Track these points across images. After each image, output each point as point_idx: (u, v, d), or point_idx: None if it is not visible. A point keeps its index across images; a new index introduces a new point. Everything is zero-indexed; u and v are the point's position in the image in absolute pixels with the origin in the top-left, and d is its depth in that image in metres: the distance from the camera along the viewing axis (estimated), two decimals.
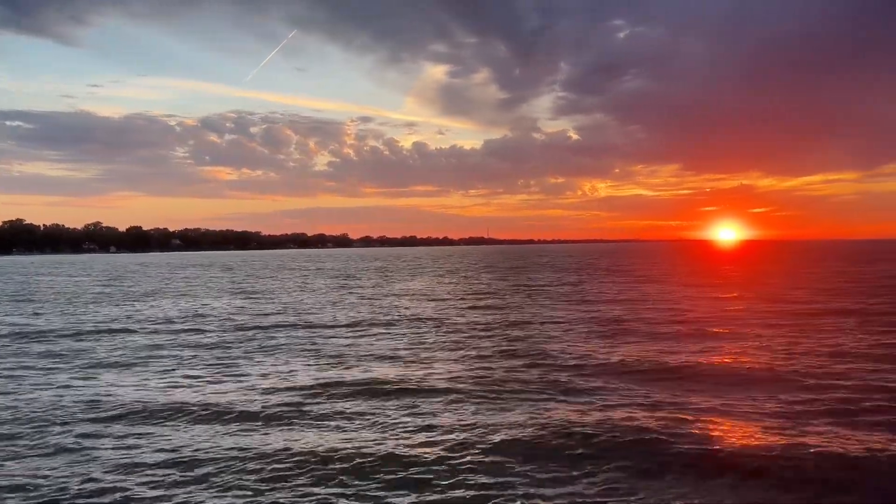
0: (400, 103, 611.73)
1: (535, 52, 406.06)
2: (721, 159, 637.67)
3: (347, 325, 22.71)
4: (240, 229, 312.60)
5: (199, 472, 8.25)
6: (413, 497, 7.47)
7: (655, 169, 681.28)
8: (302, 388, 12.72)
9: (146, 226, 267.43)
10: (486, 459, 8.54)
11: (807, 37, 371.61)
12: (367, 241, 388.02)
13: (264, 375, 14.09)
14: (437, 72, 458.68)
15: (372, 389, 12.51)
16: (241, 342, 19.12)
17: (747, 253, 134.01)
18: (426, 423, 10.23)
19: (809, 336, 18.46)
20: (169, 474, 8.17)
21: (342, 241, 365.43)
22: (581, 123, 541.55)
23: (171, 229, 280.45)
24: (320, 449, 8.96)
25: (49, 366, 15.65)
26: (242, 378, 13.90)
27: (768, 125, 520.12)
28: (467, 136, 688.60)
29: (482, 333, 20.28)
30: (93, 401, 11.83)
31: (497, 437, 9.36)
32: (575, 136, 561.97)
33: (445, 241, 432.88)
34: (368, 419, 10.53)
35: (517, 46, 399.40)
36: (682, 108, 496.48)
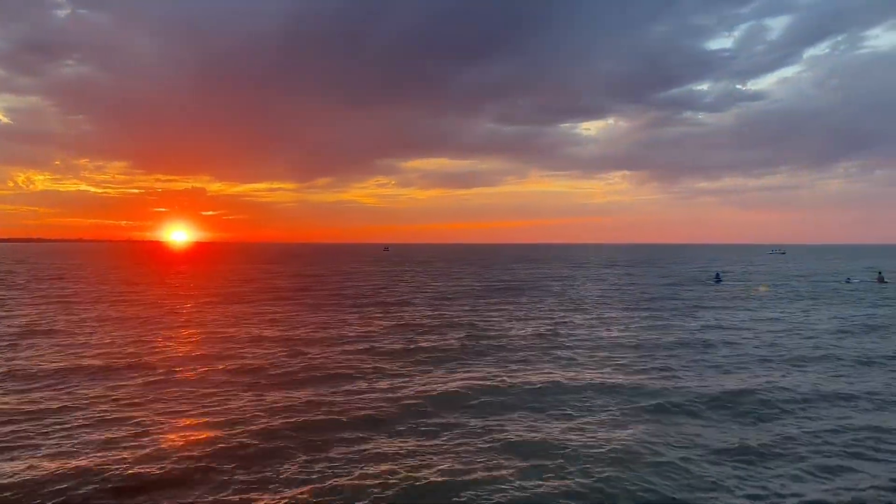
0: None
1: None
2: (173, 160, 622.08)
3: None
4: None
5: None
6: None
7: (102, 164, 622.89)
8: None
9: None
10: None
11: (250, 56, 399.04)
12: None
13: None
14: None
15: None
16: None
17: (190, 255, 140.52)
18: None
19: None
20: None
21: None
22: (13, 105, 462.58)
23: None
24: None
25: None
26: None
27: (219, 133, 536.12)
28: None
29: None
30: None
31: None
32: (6, 119, 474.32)
33: None
34: None
35: None
36: (133, 104, 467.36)
